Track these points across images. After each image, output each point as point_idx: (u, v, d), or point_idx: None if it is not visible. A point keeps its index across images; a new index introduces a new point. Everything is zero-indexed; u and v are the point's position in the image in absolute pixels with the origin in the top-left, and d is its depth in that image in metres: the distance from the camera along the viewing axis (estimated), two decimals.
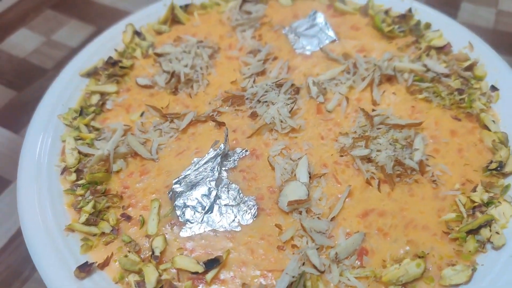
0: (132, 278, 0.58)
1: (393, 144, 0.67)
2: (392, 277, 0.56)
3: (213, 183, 0.65)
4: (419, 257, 0.57)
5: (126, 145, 0.70)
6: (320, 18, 0.87)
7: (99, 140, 0.71)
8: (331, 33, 0.86)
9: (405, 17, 0.87)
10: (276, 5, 0.94)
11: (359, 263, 0.58)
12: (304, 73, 0.80)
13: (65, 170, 0.69)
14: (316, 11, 0.88)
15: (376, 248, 0.59)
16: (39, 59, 1.00)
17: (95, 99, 0.78)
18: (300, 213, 0.62)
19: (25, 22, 1.09)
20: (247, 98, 0.76)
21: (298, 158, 0.68)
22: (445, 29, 0.85)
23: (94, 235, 0.62)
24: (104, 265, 0.59)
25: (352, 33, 0.87)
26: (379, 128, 0.69)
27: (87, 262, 0.59)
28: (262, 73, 0.80)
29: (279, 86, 0.76)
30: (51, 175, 0.68)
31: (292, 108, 0.73)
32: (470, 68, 0.78)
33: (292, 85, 0.77)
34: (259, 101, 0.75)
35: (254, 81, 0.78)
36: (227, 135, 0.68)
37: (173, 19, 0.91)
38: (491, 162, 0.66)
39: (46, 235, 0.61)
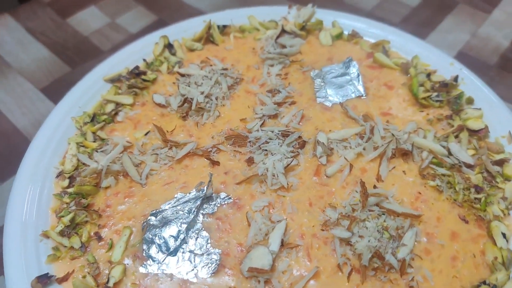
0: None
1: (381, 232, 0.62)
2: None
3: (184, 226, 0.64)
4: None
5: (121, 163, 0.72)
6: (354, 68, 0.81)
7: (99, 151, 0.74)
8: (360, 87, 0.80)
9: (448, 85, 0.79)
10: (315, 43, 0.89)
11: None
12: (316, 126, 0.76)
13: (60, 174, 0.72)
14: (352, 60, 0.82)
15: None
16: (99, 39, 1.05)
17: (109, 107, 0.80)
18: (259, 282, 0.60)
19: (96, 0, 1.15)
20: (249, 141, 0.73)
21: (278, 221, 0.65)
22: (489, 109, 0.76)
23: (65, 247, 0.65)
24: (63, 280, 0.62)
25: (383, 91, 0.80)
26: (372, 210, 0.64)
27: (47, 273, 0.62)
28: (275, 116, 0.77)
29: (285, 136, 0.73)
30: (47, 176, 0.72)
31: (289, 163, 0.70)
32: (501, 163, 0.69)
33: (299, 137, 0.73)
34: (259, 147, 0.72)
35: (262, 124, 0.76)
36: (210, 180, 0.66)
37: (207, 38, 0.90)
38: (484, 282, 0.59)
39: (22, 235, 0.65)
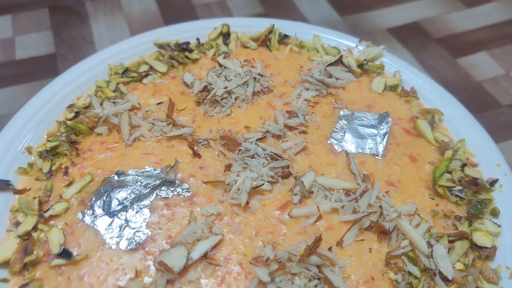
0: (18, 217, 0.64)
1: None
2: None
3: (132, 196, 0.65)
4: None
5: (119, 118, 0.75)
6: (386, 125, 0.73)
7: (111, 101, 0.78)
8: (380, 146, 0.72)
9: (479, 185, 0.66)
10: (365, 85, 0.82)
11: None
12: (311, 165, 0.70)
13: (71, 106, 0.78)
14: (389, 116, 0.74)
15: None
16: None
17: (143, 68, 0.84)
18: (162, 277, 0.57)
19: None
20: (239, 149, 0.71)
21: (215, 233, 0.62)
22: (510, 229, 0.62)
23: (36, 166, 0.70)
24: (17, 192, 0.67)
25: (403, 161, 0.71)
26: (308, 269, 0.57)
27: (9, 181, 0.67)
28: (278, 137, 0.73)
29: (274, 159, 0.69)
30: (62, 103, 0.78)
31: (258, 186, 0.66)
32: None
33: (287, 167, 0.69)
34: (243, 159, 0.69)
35: (261, 139, 0.72)
36: (174, 165, 0.66)
37: (264, 41, 0.88)
38: None
39: (14, 136, 0.72)
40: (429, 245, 0.60)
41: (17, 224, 0.64)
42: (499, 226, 0.63)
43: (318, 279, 0.57)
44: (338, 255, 0.61)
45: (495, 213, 0.65)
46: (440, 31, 1.34)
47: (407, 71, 0.84)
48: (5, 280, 0.59)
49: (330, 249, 0.61)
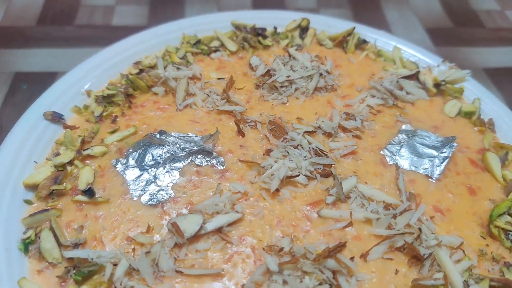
0: (60, 150, 0.67)
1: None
2: None
3: (167, 156, 0.65)
4: None
5: (178, 83, 0.75)
6: (449, 150, 0.66)
7: (175, 66, 0.79)
8: (437, 170, 0.65)
9: None
10: (437, 106, 0.76)
11: None
12: (356, 170, 0.65)
13: (137, 63, 0.80)
14: (454, 141, 0.67)
15: None
16: None
17: (214, 43, 0.84)
18: (171, 238, 0.56)
19: None
20: (285, 138, 0.68)
21: (236, 211, 0.59)
22: None
23: (90, 109, 0.73)
24: (67, 127, 0.70)
25: (460, 191, 0.63)
26: (322, 272, 0.52)
27: (63, 115, 0.70)
28: (329, 135, 0.69)
29: (317, 155, 0.65)
30: (131, 59, 0.81)
31: (293, 176, 0.62)
32: None
33: (329, 166, 0.64)
34: (285, 147, 0.66)
35: (310, 133, 0.69)
36: (213, 134, 0.64)
37: (341, 42, 0.85)
38: None
39: (78, 80, 0.75)
40: (466, 284, 0.52)
41: (57, 155, 0.66)
42: None
43: (330, 285, 0.52)
44: (359, 267, 0.55)
45: None
46: None
47: (489, 101, 0.76)
48: (29, 202, 0.60)
49: (352, 259, 0.55)
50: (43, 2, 1.42)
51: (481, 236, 0.59)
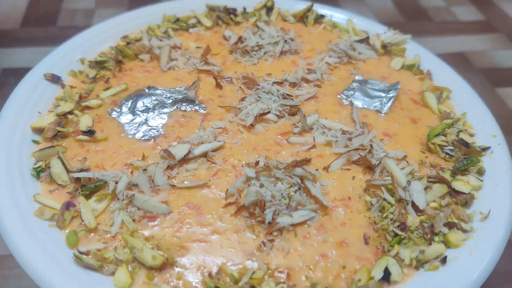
0: (61, 104, 0.76)
1: (283, 197, 0.61)
2: None
3: (155, 102, 0.75)
4: None
5: (161, 51, 0.86)
6: (395, 91, 0.79)
7: (158, 38, 0.90)
8: (386, 106, 0.77)
9: (469, 148, 0.70)
10: (384, 62, 0.89)
11: None
12: (318, 109, 0.77)
13: (124, 37, 0.91)
14: (399, 85, 0.80)
15: None
16: None
17: (192, 21, 0.96)
18: (163, 163, 0.66)
19: None
20: (257, 88, 0.79)
21: (218, 140, 0.69)
22: (493, 189, 0.65)
23: (84, 73, 0.82)
24: (64, 86, 0.79)
25: (404, 121, 0.76)
26: (291, 177, 0.63)
27: (60, 77, 0.80)
28: (294, 84, 0.81)
29: (285, 98, 0.77)
30: (121, 33, 0.91)
31: (265, 113, 0.73)
32: (451, 225, 0.59)
33: (296, 106, 0.76)
34: (257, 94, 0.77)
35: (278, 83, 0.81)
36: (194, 83, 0.76)
37: (302, 17, 0.99)
38: None
39: (71, 49, 0.85)
40: (409, 183, 0.64)
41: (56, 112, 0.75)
42: (482, 180, 0.66)
43: (299, 188, 0.63)
44: (322, 176, 0.66)
45: (480, 171, 0.67)
46: (485, 63, 1.39)
47: (428, 59, 0.90)
48: (36, 142, 0.69)
49: (316, 170, 0.66)
50: (26, 6, 1.52)
51: (421, 151, 0.71)
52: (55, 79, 0.79)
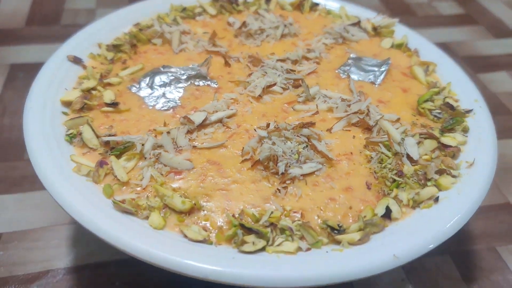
0: (84, 82, 0.82)
1: (293, 153, 0.68)
2: None
3: (172, 78, 0.82)
4: None
5: (172, 35, 0.94)
6: (386, 66, 0.88)
7: (168, 25, 0.97)
8: (379, 79, 0.86)
9: (454, 110, 0.79)
10: (375, 43, 0.98)
11: None
12: (318, 82, 0.85)
13: (137, 24, 0.98)
14: (389, 61, 0.89)
15: None
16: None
17: (198, 10, 1.04)
18: (184, 126, 0.73)
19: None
20: (262, 65, 0.87)
21: (231, 109, 0.77)
22: (477, 143, 0.73)
23: (103, 56, 0.89)
24: (84, 67, 0.86)
25: (396, 91, 0.85)
26: (299, 136, 0.71)
27: (81, 58, 0.87)
28: (295, 62, 0.90)
29: (289, 73, 0.85)
30: (128, 23, 0.98)
31: (271, 84, 0.81)
32: (441, 172, 0.68)
33: (299, 79, 0.84)
34: (265, 71, 0.85)
35: (279, 60, 0.89)
36: (206, 60, 0.83)
37: (298, 5, 1.08)
38: (335, 228, 0.60)
39: (88, 36, 0.92)
40: (402, 139, 0.72)
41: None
42: (466, 136, 0.74)
43: (306, 145, 0.71)
44: (326, 136, 0.74)
45: (465, 129, 0.76)
46: (467, 52, 1.49)
47: (415, 40, 0.99)
48: (66, 113, 0.76)
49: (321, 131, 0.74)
50: (29, 7, 1.59)
51: (412, 114, 0.80)
52: (77, 60, 0.86)
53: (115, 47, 0.90)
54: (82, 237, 0.85)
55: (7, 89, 1.19)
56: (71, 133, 0.72)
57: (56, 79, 0.81)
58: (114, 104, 0.77)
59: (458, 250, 0.87)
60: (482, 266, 0.85)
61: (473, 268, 0.85)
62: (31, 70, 1.25)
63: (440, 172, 0.68)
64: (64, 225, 0.87)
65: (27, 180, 0.95)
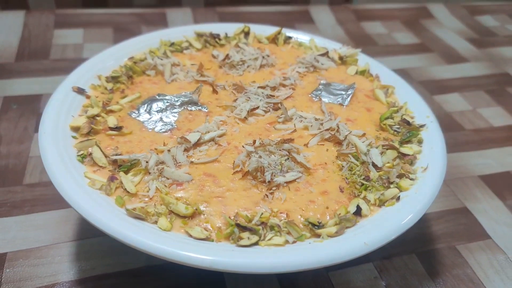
0: (88, 109, 0.93)
1: (277, 164, 0.81)
2: None
3: (167, 104, 0.94)
4: None
5: (164, 67, 1.06)
6: (352, 90, 1.02)
7: (159, 58, 1.09)
8: (346, 100, 1.00)
9: (410, 125, 0.93)
10: (342, 70, 1.13)
11: None
12: (294, 105, 0.98)
13: (131, 58, 1.10)
14: (355, 85, 1.04)
15: None
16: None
17: (184, 44, 1.17)
18: (177, 147, 0.84)
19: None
20: (245, 91, 1.00)
21: (221, 129, 0.89)
22: (428, 152, 0.87)
23: (103, 86, 1.00)
24: (89, 97, 0.96)
25: (361, 111, 0.99)
26: (281, 151, 0.83)
27: (84, 89, 0.97)
28: (274, 88, 1.03)
29: (268, 98, 0.98)
30: (123, 57, 1.10)
31: (255, 108, 0.94)
32: (401, 176, 0.81)
33: (278, 103, 0.97)
34: (248, 96, 0.98)
35: (260, 87, 1.02)
36: (197, 88, 0.95)
37: (274, 39, 1.22)
38: (315, 224, 0.72)
39: (90, 68, 1.03)
40: (368, 150, 0.86)
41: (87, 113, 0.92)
42: (421, 146, 0.88)
43: (288, 158, 0.83)
44: (304, 149, 0.87)
45: (420, 140, 0.90)
46: (423, 76, 1.67)
47: (376, 67, 1.14)
48: (75, 137, 0.86)
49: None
50: (18, 43, 1.68)
51: (376, 130, 0.93)
52: (80, 91, 0.96)
53: (114, 78, 1.01)
54: (83, 253, 0.92)
55: (1, 120, 1.27)
56: (82, 154, 0.81)
57: (64, 108, 0.91)
58: (118, 128, 0.87)
59: (423, 250, 0.99)
60: (444, 263, 0.97)
61: (436, 264, 0.97)
62: (24, 101, 1.35)
63: (400, 176, 0.81)
64: (66, 243, 0.95)
65: (27, 203, 1.02)
